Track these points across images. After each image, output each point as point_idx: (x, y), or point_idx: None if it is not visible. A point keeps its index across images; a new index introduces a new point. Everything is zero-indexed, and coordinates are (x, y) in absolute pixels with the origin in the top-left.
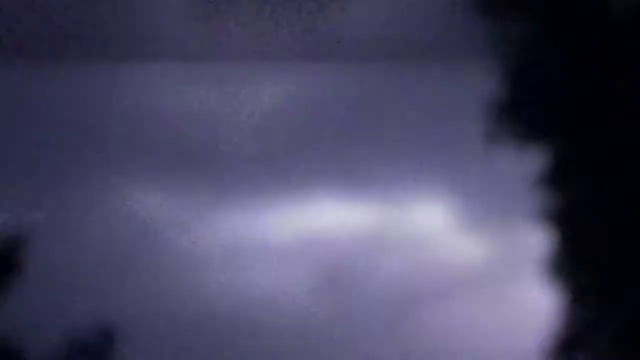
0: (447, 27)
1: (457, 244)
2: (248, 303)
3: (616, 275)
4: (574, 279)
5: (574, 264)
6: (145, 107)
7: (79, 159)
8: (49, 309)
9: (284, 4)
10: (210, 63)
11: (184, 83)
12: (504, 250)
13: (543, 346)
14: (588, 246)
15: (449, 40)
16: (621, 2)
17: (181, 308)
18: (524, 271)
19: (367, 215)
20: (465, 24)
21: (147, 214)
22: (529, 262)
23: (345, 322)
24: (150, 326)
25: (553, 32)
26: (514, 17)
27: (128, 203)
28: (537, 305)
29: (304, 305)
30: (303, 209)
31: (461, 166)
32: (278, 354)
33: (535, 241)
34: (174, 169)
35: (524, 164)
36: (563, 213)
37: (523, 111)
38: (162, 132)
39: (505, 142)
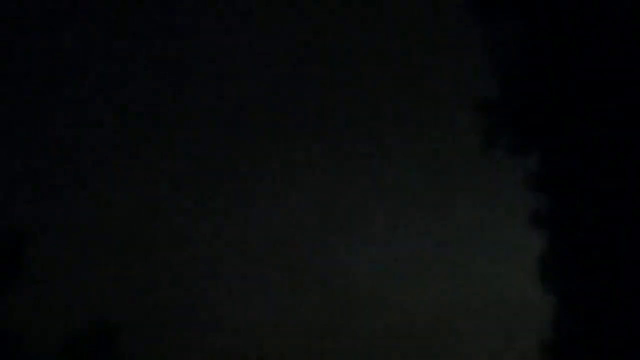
0: (447, 28)
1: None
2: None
3: (615, 276)
4: (572, 280)
5: (572, 265)
6: None
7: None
8: (48, 309)
9: None
10: None
11: None
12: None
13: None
14: (586, 247)
15: (449, 41)
16: (619, 4)
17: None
18: (523, 272)
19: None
20: (465, 24)
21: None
22: (527, 263)
23: None
24: (150, 323)
25: (552, 32)
26: (513, 18)
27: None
28: (536, 305)
29: None
30: None
31: (459, 171)
32: None
33: (534, 243)
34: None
35: (521, 166)
36: (561, 214)
37: (520, 112)
38: None
39: (502, 144)
